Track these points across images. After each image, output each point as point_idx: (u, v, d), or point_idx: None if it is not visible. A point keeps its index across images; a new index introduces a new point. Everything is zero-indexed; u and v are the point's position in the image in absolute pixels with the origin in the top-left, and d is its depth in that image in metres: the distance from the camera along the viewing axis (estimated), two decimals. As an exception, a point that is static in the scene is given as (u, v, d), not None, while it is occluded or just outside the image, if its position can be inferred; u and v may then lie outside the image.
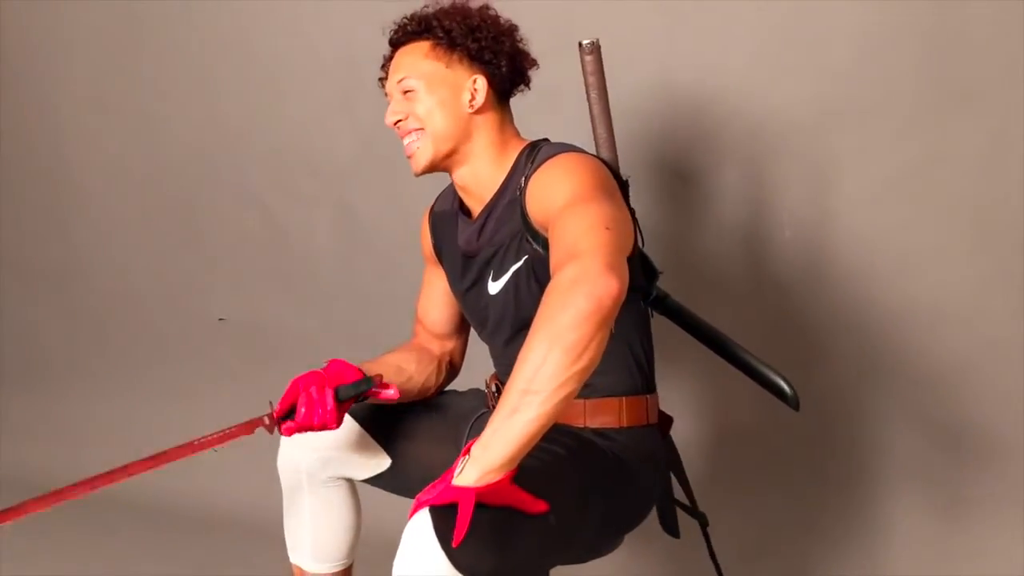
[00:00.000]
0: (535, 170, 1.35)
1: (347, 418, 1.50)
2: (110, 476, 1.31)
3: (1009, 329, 2.12)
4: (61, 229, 3.10)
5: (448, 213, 1.56)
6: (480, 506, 1.06)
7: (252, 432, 1.38)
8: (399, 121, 1.44)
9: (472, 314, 1.53)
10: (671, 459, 1.55)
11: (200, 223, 2.91)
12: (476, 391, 1.61)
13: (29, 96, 3.07)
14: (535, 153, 1.41)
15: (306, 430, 1.37)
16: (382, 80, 1.52)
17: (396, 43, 1.49)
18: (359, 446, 1.52)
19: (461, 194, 1.50)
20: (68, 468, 2.89)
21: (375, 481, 1.56)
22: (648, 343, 1.48)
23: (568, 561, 1.42)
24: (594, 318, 1.04)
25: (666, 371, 1.71)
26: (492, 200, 1.44)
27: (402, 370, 1.54)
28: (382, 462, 1.53)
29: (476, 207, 1.47)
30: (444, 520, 1.07)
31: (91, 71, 2.96)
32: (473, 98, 1.42)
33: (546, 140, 1.47)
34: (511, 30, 1.48)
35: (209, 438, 1.35)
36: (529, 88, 1.53)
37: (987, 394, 2.16)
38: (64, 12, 2.94)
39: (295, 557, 1.59)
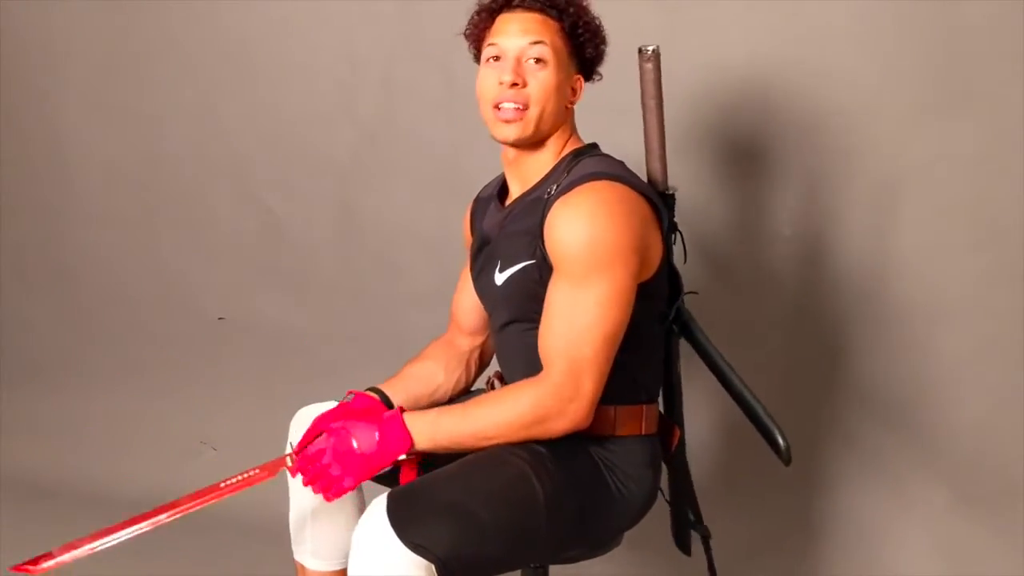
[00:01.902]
0: (565, 190, 1.34)
1: None
2: (130, 522, 1.37)
3: (1010, 328, 2.13)
4: (59, 228, 3.10)
5: (487, 199, 1.56)
6: (439, 489, 1.22)
7: (275, 475, 1.37)
8: (515, 84, 1.36)
9: (480, 298, 1.54)
10: (678, 471, 1.54)
11: (199, 222, 2.91)
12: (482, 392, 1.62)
13: (27, 96, 3.06)
14: (575, 163, 1.40)
15: None
16: (474, 29, 1.46)
17: (520, 5, 1.41)
18: None
19: (509, 175, 1.49)
20: (66, 466, 2.91)
21: (379, 480, 1.55)
22: (654, 356, 1.47)
23: (539, 560, 1.46)
24: (550, 435, 1.30)
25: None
26: (525, 193, 1.44)
27: (430, 382, 1.59)
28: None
29: (515, 193, 1.47)
30: (399, 504, 1.19)
31: (88, 69, 2.96)
32: (574, 95, 1.43)
33: (595, 147, 1.47)
34: (604, 40, 1.48)
35: (233, 484, 1.33)
36: None
37: (988, 393, 2.17)
38: (61, 12, 2.94)
39: (298, 554, 1.59)
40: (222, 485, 1.33)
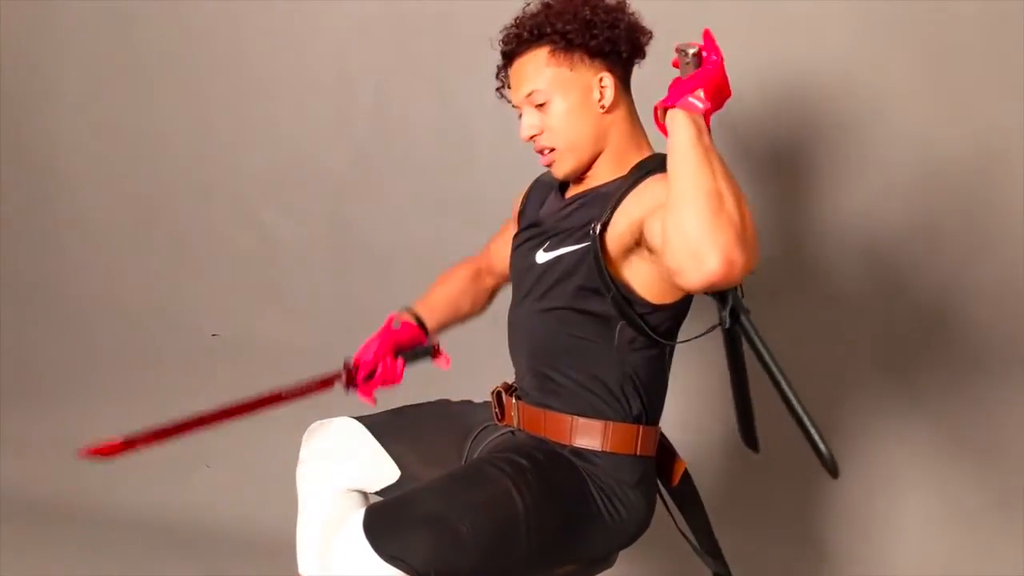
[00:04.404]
0: (652, 173, 1.35)
1: (363, 431, 1.55)
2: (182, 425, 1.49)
3: (1009, 335, 2.13)
4: (55, 245, 3.09)
5: (548, 185, 1.57)
6: (418, 502, 1.22)
7: (331, 388, 1.55)
8: (534, 136, 1.42)
9: (513, 273, 1.56)
10: (685, 504, 1.53)
11: (194, 238, 2.91)
12: (488, 404, 1.60)
13: (22, 111, 3.06)
14: (651, 162, 1.39)
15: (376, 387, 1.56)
16: (501, 91, 1.50)
17: (512, 54, 1.43)
18: (373, 459, 1.53)
19: (573, 180, 1.49)
20: (61, 483, 2.88)
21: (384, 493, 1.56)
22: (656, 378, 1.45)
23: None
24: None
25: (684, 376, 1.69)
26: (591, 190, 1.43)
27: (458, 309, 1.72)
28: (392, 474, 1.54)
29: (576, 191, 1.47)
30: (375, 517, 1.20)
31: (84, 86, 2.96)
32: (603, 97, 1.38)
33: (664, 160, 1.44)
34: (621, 6, 1.41)
35: (289, 391, 1.47)
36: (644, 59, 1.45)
37: (988, 400, 2.17)
38: (57, 26, 2.94)
39: (303, 567, 1.58)
40: (283, 393, 1.46)
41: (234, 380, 2.87)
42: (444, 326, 1.69)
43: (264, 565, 2.28)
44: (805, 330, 2.29)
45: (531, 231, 1.51)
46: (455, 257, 2.59)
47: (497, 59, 1.48)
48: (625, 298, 1.35)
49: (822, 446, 1.35)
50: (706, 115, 1.20)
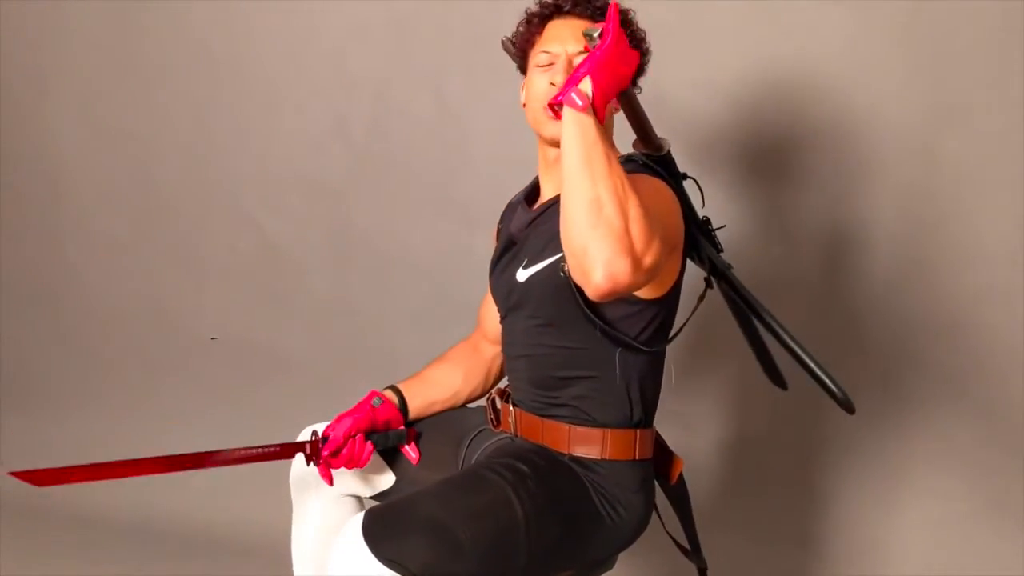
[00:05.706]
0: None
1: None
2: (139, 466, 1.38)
3: (1010, 339, 2.14)
4: (54, 249, 3.10)
5: (516, 204, 1.56)
6: (417, 506, 1.22)
7: (292, 457, 1.49)
8: None
9: (493, 292, 1.54)
10: (677, 501, 1.54)
11: (193, 242, 2.92)
12: (483, 408, 1.60)
13: (19, 118, 3.07)
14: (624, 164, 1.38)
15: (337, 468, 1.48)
16: (528, 33, 1.45)
17: (572, 12, 1.40)
18: (368, 464, 1.53)
19: (546, 177, 1.47)
20: (58, 487, 2.89)
21: (380, 498, 1.57)
22: (655, 378, 1.46)
23: None
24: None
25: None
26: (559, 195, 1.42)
27: (449, 388, 1.61)
28: (387, 479, 1.55)
29: (548, 194, 1.46)
30: (375, 520, 1.20)
31: (83, 91, 2.97)
32: (617, 100, 1.37)
33: (633, 159, 1.43)
34: (647, 50, 1.45)
35: (250, 453, 1.41)
36: None
37: (985, 402, 2.18)
38: (55, 31, 2.95)
39: (299, 570, 1.59)
40: (240, 452, 1.40)
41: (233, 383, 2.90)
42: (434, 404, 1.60)
43: (262, 568, 2.29)
44: (801, 333, 2.30)
45: (508, 253, 1.50)
46: (454, 259, 2.62)
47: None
48: (609, 323, 1.35)
49: (831, 385, 1.37)
50: (595, 105, 1.16)
